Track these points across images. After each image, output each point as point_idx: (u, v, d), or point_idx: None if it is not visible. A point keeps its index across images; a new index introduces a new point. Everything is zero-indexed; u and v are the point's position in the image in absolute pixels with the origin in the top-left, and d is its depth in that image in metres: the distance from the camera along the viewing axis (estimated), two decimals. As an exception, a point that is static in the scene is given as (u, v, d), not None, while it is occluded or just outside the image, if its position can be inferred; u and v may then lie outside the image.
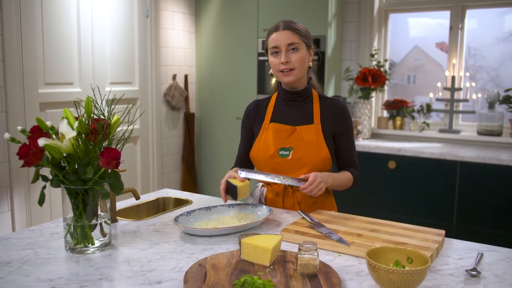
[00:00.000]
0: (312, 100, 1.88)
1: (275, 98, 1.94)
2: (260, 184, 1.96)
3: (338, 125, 1.85)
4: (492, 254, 1.37)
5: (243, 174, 1.74)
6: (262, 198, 1.92)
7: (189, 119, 4.39)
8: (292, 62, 1.76)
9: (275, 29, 1.80)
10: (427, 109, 3.78)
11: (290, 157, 1.81)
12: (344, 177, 1.84)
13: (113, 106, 1.41)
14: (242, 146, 2.00)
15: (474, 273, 1.22)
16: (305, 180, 1.68)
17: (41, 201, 1.33)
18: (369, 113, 3.83)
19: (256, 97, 4.07)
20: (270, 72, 1.87)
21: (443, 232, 1.50)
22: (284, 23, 1.79)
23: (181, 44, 4.29)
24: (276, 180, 1.71)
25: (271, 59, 1.81)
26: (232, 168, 1.97)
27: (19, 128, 1.36)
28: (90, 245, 1.37)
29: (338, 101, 1.89)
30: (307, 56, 1.82)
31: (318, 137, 1.81)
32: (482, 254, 1.35)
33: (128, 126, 1.47)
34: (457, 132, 3.64)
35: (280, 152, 1.82)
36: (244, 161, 1.98)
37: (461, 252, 1.39)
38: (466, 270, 1.24)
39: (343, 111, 1.86)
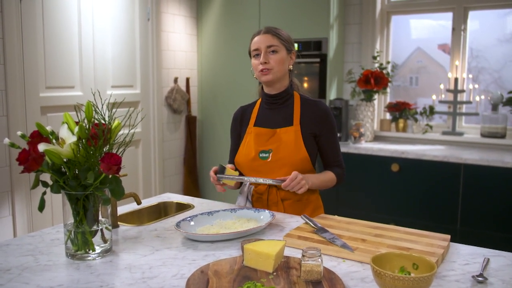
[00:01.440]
0: (293, 102, 1.95)
1: (259, 102, 2.02)
2: (248, 182, 1.97)
3: (319, 126, 1.91)
4: (499, 259, 1.35)
5: (223, 179, 1.81)
6: (250, 196, 1.96)
7: (190, 122, 4.38)
8: (270, 62, 1.86)
9: (257, 33, 1.91)
10: (430, 111, 3.76)
11: (270, 159, 1.87)
12: (326, 178, 1.92)
13: (114, 110, 1.39)
14: (231, 151, 2.07)
15: (481, 279, 1.20)
16: (285, 180, 1.75)
17: (41, 207, 1.32)
18: (372, 115, 3.82)
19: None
20: (254, 76, 1.94)
21: (448, 237, 1.48)
22: (266, 28, 1.91)
23: (182, 47, 4.28)
24: (256, 181, 1.79)
25: (253, 61, 1.91)
26: None
27: (19, 133, 1.34)
28: (90, 251, 1.36)
29: (319, 102, 1.95)
30: (287, 58, 1.90)
31: (297, 138, 1.88)
32: (488, 259, 1.33)
33: (130, 130, 1.46)
34: (461, 134, 3.62)
35: (260, 155, 1.89)
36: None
37: (467, 257, 1.37)
38: (473, 276, 1.22)
39: (324, 112, 1.93)
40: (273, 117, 1.94)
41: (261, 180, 1.78)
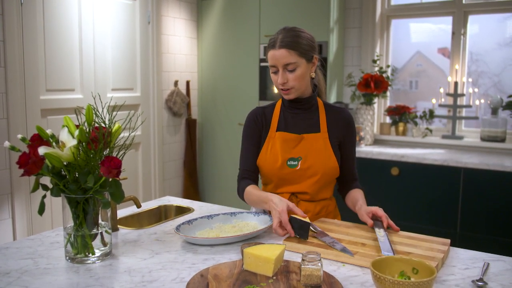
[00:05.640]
0: (317, 108, 1.85)
1: (280, 105, 1.88)
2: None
3: (344, 134, 1.84)
4: (498, 263, 1.35)
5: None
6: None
7: (190, 125, 4.38)
8: (289, 82, 1.72)
9: (273, 46, 1.72)
10: (430, 115, 3.76)
11: (299, 167, 1.77)
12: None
13: (114, 113, 1.39)
14: (251, 155, 1.84)
15: (481, 283, 1.20)
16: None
17: (41, 210, 1.32)
18: (372, 119, 3.82)
19: (258, 103, 4.06)
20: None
21: (448, 241, 1.48)
22: (281, 40, 1.70)
23: (183, 50, 4.29)
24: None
25: (272, 75, 1.77)
26: (243, 179, 1.82)
27: (19, 136, 1.35)
28: (90, 254, 1.36)
29: (344, 110, 1.87)
30: (307, 70, 1.75)
31: (326, 145, 1.79)
32: (488, 264, 1.33)
33: (130, 134, 1.46)
34: (460, 138, 3.62)
35: (288, 162, 1.77)
36: (255, 171, 1.85)
37: (466, 262, 1.37)
38: (473, 281, 1.22)
39: (349, 121, 1.86)
40: (297, 122, 1.83)
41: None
